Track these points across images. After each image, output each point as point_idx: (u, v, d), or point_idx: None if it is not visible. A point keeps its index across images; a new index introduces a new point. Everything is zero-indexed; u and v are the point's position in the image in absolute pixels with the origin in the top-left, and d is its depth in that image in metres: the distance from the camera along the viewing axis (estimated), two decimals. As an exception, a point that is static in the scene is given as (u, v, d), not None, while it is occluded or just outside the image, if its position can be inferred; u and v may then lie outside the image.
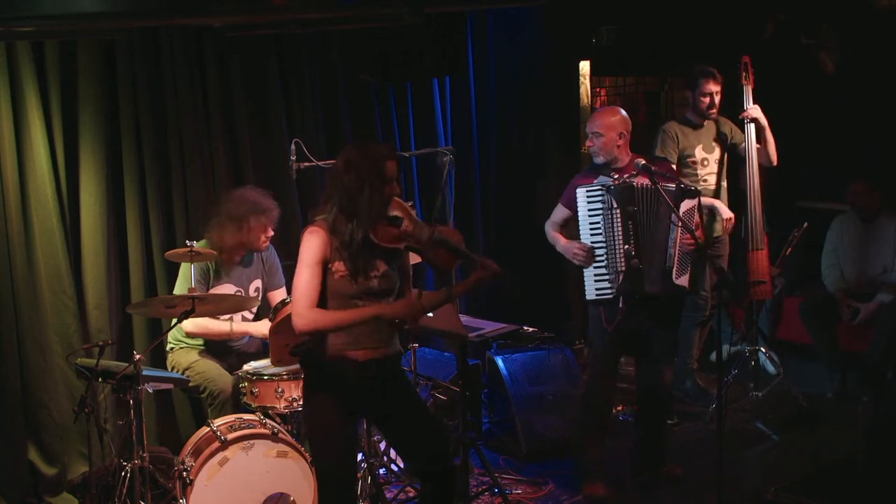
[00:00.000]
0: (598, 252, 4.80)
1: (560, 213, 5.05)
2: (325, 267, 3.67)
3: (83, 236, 5.18)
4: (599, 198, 4.78)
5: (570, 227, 4.99)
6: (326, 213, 3.71)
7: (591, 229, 4.81)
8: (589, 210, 4.81)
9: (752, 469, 5.27)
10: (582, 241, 4.83)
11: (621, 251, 4.75)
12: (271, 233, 5.09)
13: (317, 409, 3.81)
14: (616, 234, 4.75)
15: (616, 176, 4.81)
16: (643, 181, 4.72)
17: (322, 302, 3.70)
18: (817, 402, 5.91)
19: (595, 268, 4.80)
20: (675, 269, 4.75)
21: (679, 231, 4.73)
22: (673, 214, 4.67)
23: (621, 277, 4.76)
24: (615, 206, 4.74)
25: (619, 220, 4.75)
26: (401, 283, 3.83)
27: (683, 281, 4.82)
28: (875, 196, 6.11)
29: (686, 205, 4.76)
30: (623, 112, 4.96)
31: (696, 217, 4.85)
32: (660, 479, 5.06)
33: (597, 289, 4.81)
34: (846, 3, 6.54)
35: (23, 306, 4.96)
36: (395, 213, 3.73)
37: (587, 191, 4.81)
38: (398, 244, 3.74)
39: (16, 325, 4.95)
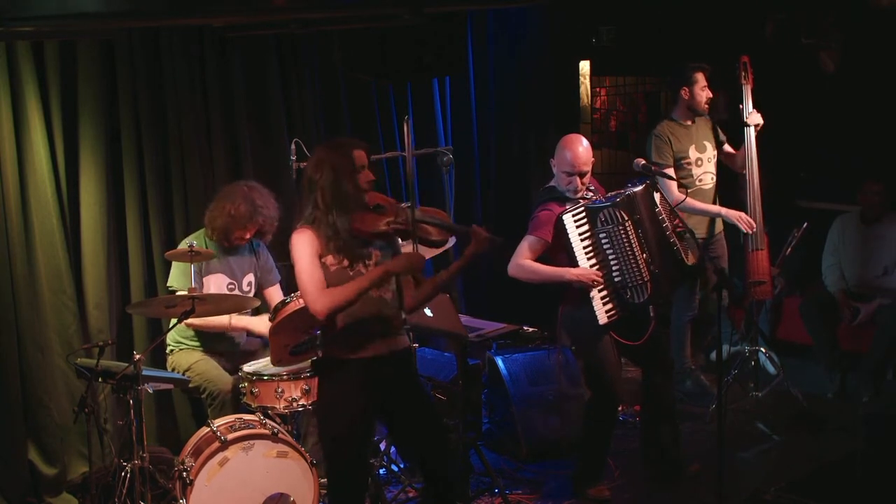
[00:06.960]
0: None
1: (535, 245, 4.74)
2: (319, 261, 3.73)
3: (83, 236, 5.18)
4: (583, 219, 4.68)
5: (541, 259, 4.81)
6: (306, 216, 3.78)
7: (586, 253, 4.70)
8: (580, 234, 4.70)
9: (752, 469, 5.26)
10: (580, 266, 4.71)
11: (641, 261, 4.69)
12: (248, 236, 5.09)
13: (331, 409, 3.83)
14: (631, 246, 4.67)
15: (589, 195, 4.77)
16: (632, 189, 4.72)
17: None
18: (817, 402, 5.89)
19: (598, 291, 4.70)
20: (684, 253, 4.74)
21: (668, 221, 4.75)
22: (657, 210, 4.71)
23: (649, 287, 4.70)
24: (625, 218, 4.66)
25: (630, 231, 4.68)
26: None
27: (693, 258, 4.79)
28: (886, 198, 6.10)
29: (657, 196, 4.79)
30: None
31: (666, 202, 4.87)
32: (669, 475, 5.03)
33: (606, 311, 4.71)
34: (846, 3, 6.54)
35: (23, 306, 4.96)
36: (376, 202, 3.81)
37: (573, 215, 4.69)
38: (385, 228, 3.79)
39: (16, 324, 4.95)
